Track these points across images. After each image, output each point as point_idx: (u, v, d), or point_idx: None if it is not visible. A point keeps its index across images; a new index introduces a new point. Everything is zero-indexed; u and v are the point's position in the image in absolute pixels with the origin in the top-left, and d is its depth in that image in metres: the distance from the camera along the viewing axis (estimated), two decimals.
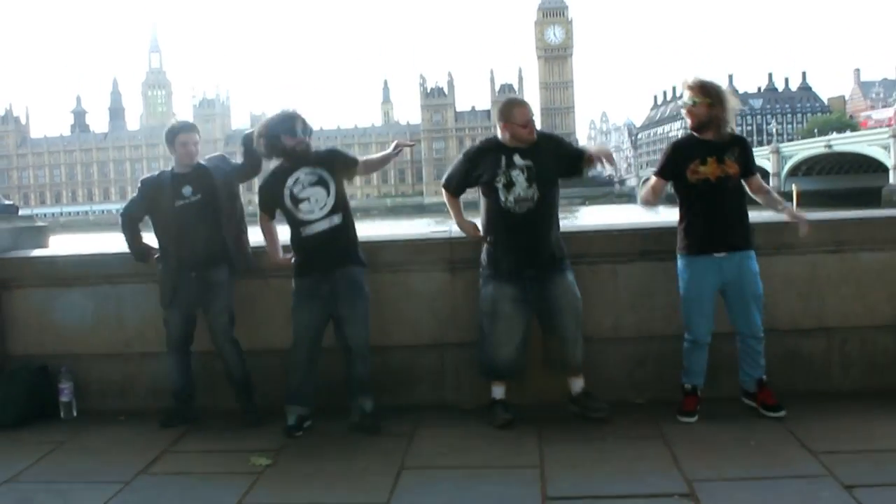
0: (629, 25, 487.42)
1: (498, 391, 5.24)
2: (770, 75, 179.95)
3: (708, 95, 4.92)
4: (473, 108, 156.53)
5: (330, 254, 5.11)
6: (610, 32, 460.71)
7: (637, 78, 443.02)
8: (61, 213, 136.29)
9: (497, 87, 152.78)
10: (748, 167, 5.02)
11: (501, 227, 5.06)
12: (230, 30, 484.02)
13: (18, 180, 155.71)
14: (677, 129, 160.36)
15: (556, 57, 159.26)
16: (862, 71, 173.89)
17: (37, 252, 6.48)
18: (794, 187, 58.32)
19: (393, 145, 5.43)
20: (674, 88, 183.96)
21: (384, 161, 5.62)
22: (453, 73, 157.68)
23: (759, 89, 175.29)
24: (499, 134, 5.15)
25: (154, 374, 5.87)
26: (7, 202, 6.78)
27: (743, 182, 5.01)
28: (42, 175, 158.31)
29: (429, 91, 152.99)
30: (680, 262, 5.08)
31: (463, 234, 5.44)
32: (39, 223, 7.05)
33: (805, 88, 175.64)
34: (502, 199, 5.00)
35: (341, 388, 5.27)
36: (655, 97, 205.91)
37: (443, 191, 5.39)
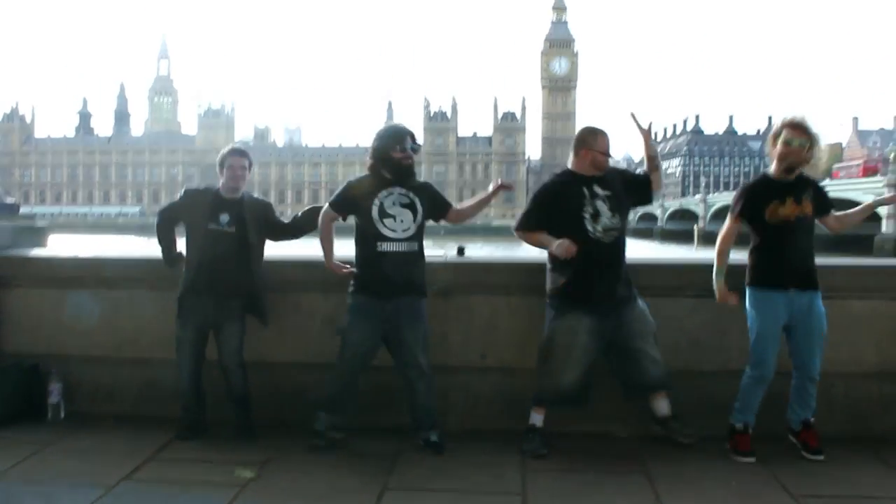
0: (632, 62, 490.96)
1: (538, 419, 5.19)
2: (770, 118, 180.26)
3: (811, 138, 4.92)
4: (475, 133, 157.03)
5: (402, 278, 5.07)
6: (613, 68, 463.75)
7: (638, 113, 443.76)
8: (60, 213, 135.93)
9: (500, 115, 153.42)
10: (824, 206, 5.05)
11: (588, 257, 4.97)
12: (239, 42, 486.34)
13: (20, 178, 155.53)
14: (676, 166, 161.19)
15: (560, 88, 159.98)
16: (860, 120, 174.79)
17: (35, 252, 6.48)
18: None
19: (492, 186, 5.33)
20: (674, 126, 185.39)
21: (480, 206, 5.52)
22: (457, 98, 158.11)
23: (759, 132, 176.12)
24: (571, 163, 5.16)
25: (144, 379, 5.87)
26: (9, 201, 6.78)
27: (817, 221, 5.06)
28: (44, 174, 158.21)
29: (432, 115, 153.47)
30: (752, 296, 5.04)
31: (457, 259, 5.46)
32: (40, 223, 7.06)
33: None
34: (590, 229, 4.98)
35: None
36: (655, 134, 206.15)
37: (518, 234, 5.23)
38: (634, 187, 5.24)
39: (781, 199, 4.92)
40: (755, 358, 5.02)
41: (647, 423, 5.30)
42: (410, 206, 5.09)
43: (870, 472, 4.82)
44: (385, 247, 5.03)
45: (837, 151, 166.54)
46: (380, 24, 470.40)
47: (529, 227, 5.17)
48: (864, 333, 5.50)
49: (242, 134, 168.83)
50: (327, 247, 5.27)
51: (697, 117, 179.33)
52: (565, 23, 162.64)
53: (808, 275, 4.97)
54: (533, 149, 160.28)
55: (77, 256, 6.42)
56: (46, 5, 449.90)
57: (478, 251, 5.86)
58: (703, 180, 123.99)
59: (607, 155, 5.08)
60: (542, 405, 5.20)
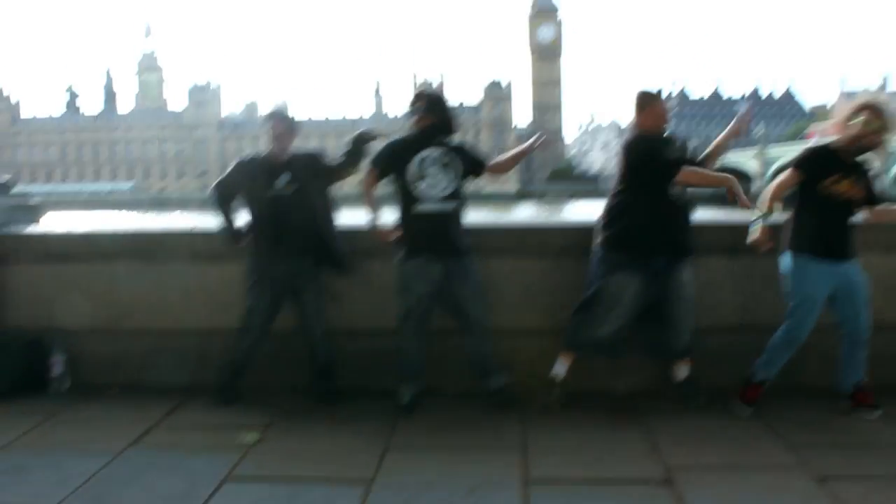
0: (618, 28, 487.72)
1: (562, 369, 5.25)
2: (757, 87, 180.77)
3: (886, 123, 4.89)
4: (462, 104, 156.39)
5: (448, 237, 5.09)
6: (598, 34, 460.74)
7: (625, 80, 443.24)
8: (53, 192, 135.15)
9: (487, 84, 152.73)
10: (873, 196, 5.04)
11: (661, 212, 5.01)
12: (225, 17, 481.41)
13: (11, 158, 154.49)
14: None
15: (546, 56, 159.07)
16: (846, 80, 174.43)
17: (31, 228, 6.48)
18: (772, 186, 58.39)
19: (534, 138, 5.39)
20: (660, 90, 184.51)
21: (517, 158, 5.54)
22: (444, 68, 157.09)
23: (743, 96, 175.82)
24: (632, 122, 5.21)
25: (144, 349, 5.89)
26: (1, 180, 6.75)
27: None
28: (34, 154, 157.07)
29: (419, 85, 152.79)
30: (795, 262, 5.04)
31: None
32: (33, 201, 7.04)
33: (789, 96, 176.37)
34: (670, 188, 5.00)
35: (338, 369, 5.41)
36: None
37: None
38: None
39: (841, 177, 4.92)
40: (794, 322, 5.04)
41: (644, 379, 5.35)
42: (450, 165, 5.09)
43: (862, 421, 4.89)
44: (420, 207, 5.06)
45: (824, 113, 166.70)
46: None
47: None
48: None
49: (230, 109, 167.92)
50: (370, 204, 5.25)
51: (684, 82, 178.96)
52: None
53: (848, 249, 5.00)
54: (520, 116, 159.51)
55: (73, 232, 6.42)
56: None
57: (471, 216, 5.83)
58: (690, 144, 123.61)
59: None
60: (572, 351, 5.25)
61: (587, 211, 5.49)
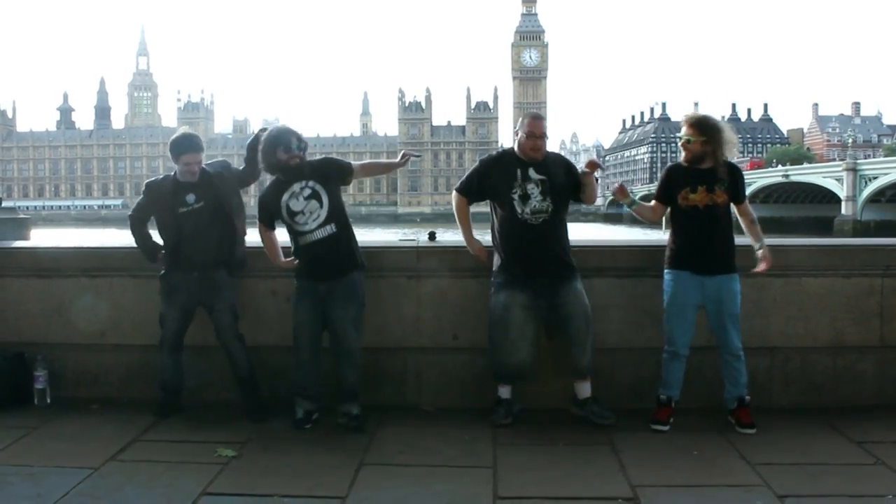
0: (601, 52, 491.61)
1: (504, 392, 5.28)
2: (734, 105, 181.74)
3: (703, 133, 5.05)
4: (449, 122, 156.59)
5: (327, 262, 5.15)
6: (583, 57, 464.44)
7: (607, 102, 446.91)
8: (44, 207, 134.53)
9: (473, 105, 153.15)
10: (737, 195, 5.17)
11: (516, 237, 5.12)
12: (217, 36, 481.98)
13: (3, 172, 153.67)
14: (644, 153, 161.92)
15: (530, 79, 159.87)
16: (820, 106, 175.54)
17: (18, 243, 6.46)
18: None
19: (401, 155, 5.46)
20: (641, 114, 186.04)
21: (388, 168, 5.71)
22: (431, 89, 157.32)
23: (723, 118, 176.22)
24: (514, 145, 5.22)
25: (127, 364, 5.89)
26: None
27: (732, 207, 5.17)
28: (26, 168, 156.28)
29: (407, 105, 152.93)
30: (666, 277, 5.20)
31: (428, 243, 5.52)
32: (22, 215, 7.03)
33: (766, 120, 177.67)
34: (518, 210, 5.08)
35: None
36: (624, 121, 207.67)
37: (455, 197, 5.37)
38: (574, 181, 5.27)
39: (693, 188, 5.06)
40: (666, 335, 5.20)
41: (611, 399, 5.38)
42: (314, 195, 5.15)
43: (823, 441, 4.93)
44: (304, 240, 5.19)
45: (799, 136, 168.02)
46: (354, 17, 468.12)
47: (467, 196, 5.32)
48: (817, 310, 5.59)
49: (221, 126, 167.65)
50: (269, 249, 5.38)
51: (664, 105, 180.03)
52: (535, 14, 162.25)
53: (718, 259, 5.08)
54: (505, 137, 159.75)
55: (59, 247, 6.41)
56: (26, 1, 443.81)
57: (449, 236, 5.89)
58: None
59: (537, 138, 5.12)
60: (497, 380, 5.29)
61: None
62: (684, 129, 5.13)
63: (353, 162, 5.42)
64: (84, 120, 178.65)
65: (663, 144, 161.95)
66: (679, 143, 5.21)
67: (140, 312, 5.89)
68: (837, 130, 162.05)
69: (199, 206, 5.38)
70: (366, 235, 5.50)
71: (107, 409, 5.62)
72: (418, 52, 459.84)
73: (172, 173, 5.54)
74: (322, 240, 5.14)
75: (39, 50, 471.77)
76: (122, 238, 6.52)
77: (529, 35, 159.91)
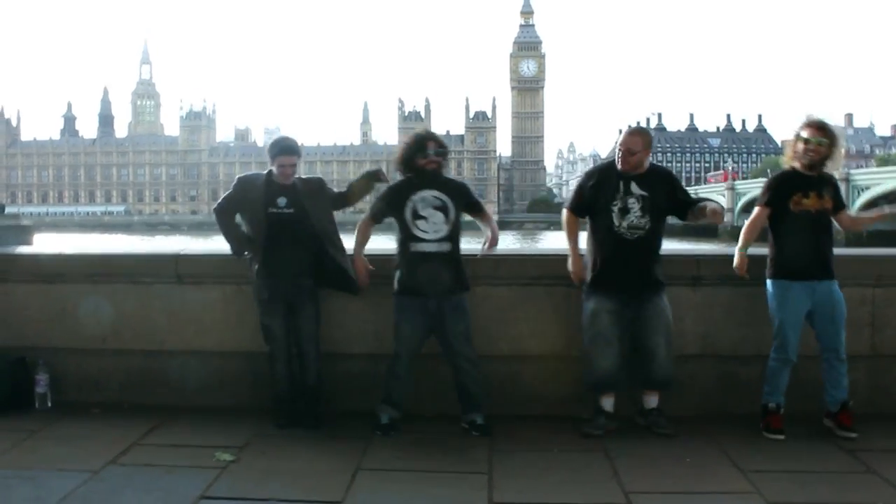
0: (597, 62, 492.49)
1: (607, 403, 5.22)
2: (728, 116, 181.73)
3: (829, 138, 5.07)
4: (448, 132, 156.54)
5: (435, 276, 5.12)
6: (580, 68, 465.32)
7: (603, 112, 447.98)
8: (47, 213, 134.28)
9: (471, 114, 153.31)
10: (840, 202, 5.24)
11: (609, 249, 5.11)
12: (219, 45, 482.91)
13: (7, 179, 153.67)
14: None
15: (528, 88, 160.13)
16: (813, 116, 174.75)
17: (21, 249, 6.46)
18: (746, 223, 59.00)
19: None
20: (638, 123, 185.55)
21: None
22: (430, 98, 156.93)
23: (718, 129, 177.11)
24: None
25: (128, 370, 5.88)
26: None
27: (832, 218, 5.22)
28: (30, 175, 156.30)
29: (406, 114, 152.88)
30: (773, 287, 5.18)
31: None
32: (24, 222, 7.04)
33: (761, 130, 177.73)
34: (616, 223, 5.07)
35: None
36: (620, 130, 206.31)
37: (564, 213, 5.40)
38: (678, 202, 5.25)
39: (805, 192, 5.08)
40: (779, 342, 5.16)
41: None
42: (443, 208, 5.14)
43: (815, 449, 4.92)
44: (417, 247, 5.14)
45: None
46: (355, 27, 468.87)
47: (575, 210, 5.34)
48: None
49: (223, 135, 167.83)
50: (359, 241, 5.41)
51: (660, 115, 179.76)
52: (532, 26, 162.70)
53: (826, 264, 5.12)
54: (503, 146, 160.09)
55: (61, 253, 6.41)
56: (31, 10, 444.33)
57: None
58: None
59: (632, 154, 5.10)
60: (590, 389, 5.28)
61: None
62: (809, 132, 5.09)
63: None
64: (88, 128, 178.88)
65: (659, 154, 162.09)
66: (800, 144, 5.13)
67: (141, 319, 5.88)
68: None
69: (289, 211, 5.27)
70: (372, 243, 5.47)
71: (107, 413, 5.60)
72: (418, 63, 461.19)
73: (266, 172, 5.42)
74: (434, 254, 5.12)
75: (44, 59, 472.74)
76: (126, 244, 6.51)
77: (527, 46, 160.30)
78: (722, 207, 5.43)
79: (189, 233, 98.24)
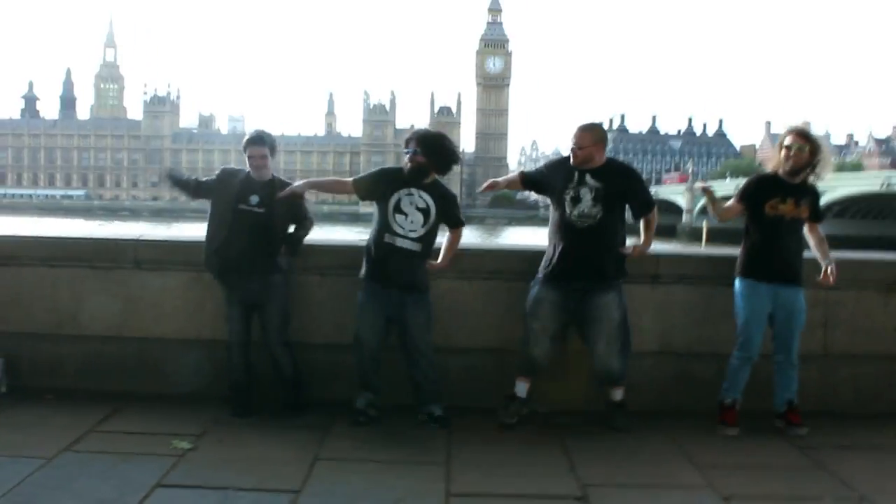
0: (563, 62, 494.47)
1: (521, 389, 5.26)
2: (690, 119, 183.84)
3: (811, 144, 5.09)
4: (413, 126, 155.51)
5: (400, 269, 5.09)
6: (545, 67, 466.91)
7: (567, 111, 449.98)
8: (4, 195, 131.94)
9: (436, 109, 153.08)
10: (816, 214, 5.28)
11: (561, 237, 5.14)
12: (184, 31, 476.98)
13: None
14: None
15: (494, 86, 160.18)
16: (772, 124, 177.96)
17: None
18: (704, 224, 59.69)
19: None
20: (600, 122, 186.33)
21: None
22: (396, 92, 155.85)
23: (679, 132, 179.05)
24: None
25: (84, 355, 5.78)
26: None
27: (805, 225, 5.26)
28: None
29: (371, 107, 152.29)
30: (741, 285, 5.24)
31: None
32: None
33: (721, 134, 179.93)
34: (568, 211, 5.08)
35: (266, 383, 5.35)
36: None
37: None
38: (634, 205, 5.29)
39: (783, 198, 5.12)
40: (742, 340, 5.22)
41: (565, 401, 5.40)
42: (425, 211, 5.11)
43: (767, 445, 5.00)
44: (389, 238, 5.10)
45: (752, 152, 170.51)
46: (322, 17, 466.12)
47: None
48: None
49: (187, 121, 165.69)
50: (319, 185, 5.62)
51: (623, 116, 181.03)
52: (500, 23, 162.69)
53: (795, 270, 5.18)
54: (467, 142, 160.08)
55: (17, 235, 6.28)
56: None
57: None
58: None
59: (578, 148, 5.11)
60: (518, 373, 5.29)
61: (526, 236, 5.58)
62: (791, 138, 5.12)
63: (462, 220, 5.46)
64: (49, 109, 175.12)
65: (621, 155, 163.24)
66: (782, 151, 5.16)
67: (98, 304, 5.79)
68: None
69: (259, 210, 5.25)
70: (327, 234, 5.45)
71: (62, 399, 5.49)
72: (384, 55, 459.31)
73: (248, 170, 5.39)
74: (404, 251, 5.09)
75: (4, 37, 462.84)
76: (84, 229, 6.40)
77: (494, 43, 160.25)
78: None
79: (150, 219, 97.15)
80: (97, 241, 6.19)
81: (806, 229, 5.30)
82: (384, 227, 5.12)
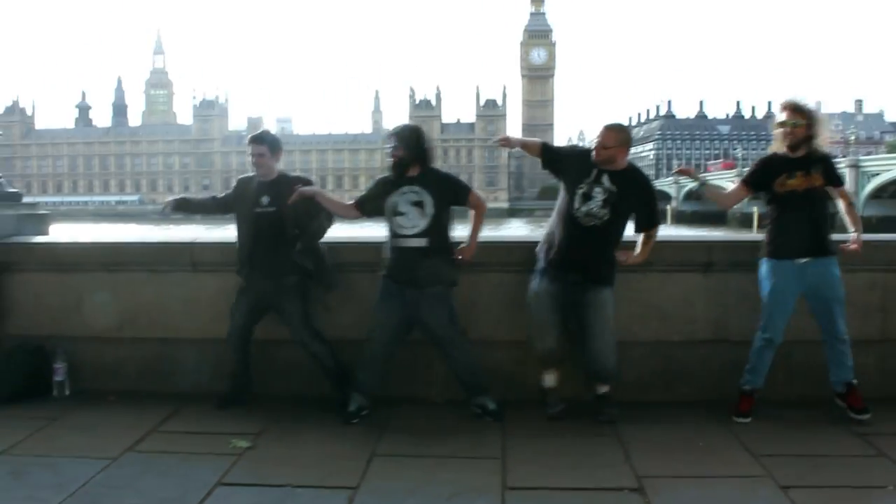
0: (607, 50, 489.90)
1: (548, 379, 5.30)
2: (738, 103, 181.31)
3: (805, 117, 5.01)
4: (459, 120, 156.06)
5: (410, 269, 5.10)
6: (589, 56, 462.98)
7: (613, 100, 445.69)
8: (62, 203, 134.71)
9: (482, 102, 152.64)
10: (833, 179, 5.11)
11: (564, 230, 5.11)
12: (231, 35, 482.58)
13: (22, 169, 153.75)
14: (649, 150, 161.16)
15: (538, 76, 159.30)
16: (823, 103, 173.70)
17: (38, 238, 6.48)
18: (755, 210, 58.67)
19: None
20: (647, 111, 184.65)
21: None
22: (441, 87, 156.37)
23: (727, 116, 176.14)
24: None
25: (144, 357, 5.91)
26: (12, 189, 6.77)
27: (829, 191, 5.12)
28: (45, 165, 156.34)
29: (417, 102, 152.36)
30: (764, 266, 5.15)
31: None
32: (41, 211, 7.05)
33: (770, 117, 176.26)
34: (576, 205, 5.05)
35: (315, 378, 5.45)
36: (630, 118, 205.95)
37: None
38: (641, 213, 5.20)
39: (790, 173, 5.02)
40: (765, 322, 5.12)
41: (616, 387, 5.37)
42: (419, 204, 5.08)
43: (826, 433, 4.91)
44: (397, 242, 5.15)
45: None
46: (366, 16, 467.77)
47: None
48: None
49: (236, 124, 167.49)
50: (330, 202, 5.43)
51: (670, 102, 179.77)
52: (543, 14, 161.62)
53: (820, 243, 5.04)
54: (514, 134, 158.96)
55: (77, 241, 6.44)
56: (45, 1, 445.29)
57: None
58: (675, 163, 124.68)
59: (603, 147, 5.04)
60: (539, 367, 5.31)
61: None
62: (786, 115, 5.03)
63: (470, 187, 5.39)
64: (101, 117, 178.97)
65: (668, 141, 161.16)
66: (779, 129, 5.09)
67: (157, 307, 5.92)
68: (840, 127, 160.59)
69: (271, 209, 5.35)
70: (367, 231, 5.48)
71: (124, 400, 5.63)
72: (429, 51, 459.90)
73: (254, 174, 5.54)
74: (412, 249, 5.09)
75: (58, 49, 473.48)
76: (140, 233, 6.53)
77: (538, 34, 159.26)
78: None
79: (202, 222, 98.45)
80: (154, 245, 6.30)
81: (834, 195, 5.16)
82: (391, 233, 5.18)
